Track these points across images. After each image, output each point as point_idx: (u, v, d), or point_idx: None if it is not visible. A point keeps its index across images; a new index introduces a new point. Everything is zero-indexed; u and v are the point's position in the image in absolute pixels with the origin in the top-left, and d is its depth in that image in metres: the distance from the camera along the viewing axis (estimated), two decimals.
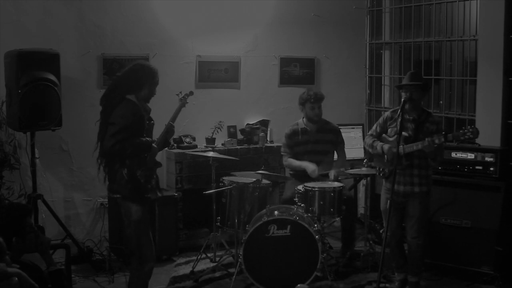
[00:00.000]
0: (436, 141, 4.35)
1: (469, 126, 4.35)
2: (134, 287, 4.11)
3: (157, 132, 4.22)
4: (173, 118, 4.24)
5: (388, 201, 4.41)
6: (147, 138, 4.01)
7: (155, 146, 4.06)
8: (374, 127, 4.93)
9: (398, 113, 4.44)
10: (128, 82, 4.01)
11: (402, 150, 4.51)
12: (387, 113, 4.89)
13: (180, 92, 4.46)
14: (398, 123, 4.46)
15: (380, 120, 4.90)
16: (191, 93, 4.50)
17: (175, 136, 5.44)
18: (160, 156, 5.21)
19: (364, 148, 6.59)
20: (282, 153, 5.80)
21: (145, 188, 3.98)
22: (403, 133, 4.53)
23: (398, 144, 4.37)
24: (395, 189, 4.56)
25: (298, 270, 4.71)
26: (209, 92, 6.30)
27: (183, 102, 4.36)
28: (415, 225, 4.64)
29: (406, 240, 4.76)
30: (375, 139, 4.84)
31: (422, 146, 4.42)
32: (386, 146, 4.67)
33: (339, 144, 5.72)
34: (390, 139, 4.70)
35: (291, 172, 5.75)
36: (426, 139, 4.40)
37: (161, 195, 4.38)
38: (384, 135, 4.81)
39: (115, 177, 3.96)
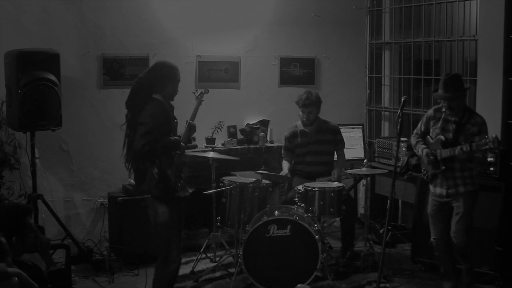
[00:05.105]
0: (464, 149, 4.26)
1: (491, 137, 4.18)
2: (157, 286, 4.13)
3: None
4: (193, 117, 4.30)
5: (388, 201, 4.32)
6: (175, 137, 4.08)
7: (183, 144, 4.12)
8: (419, 125, 4.79)
9: (429, 113, 4.58)
10: (152, 82, 4.06)
11: (439, 155, 4.46)
12: (429, 111, 4.72)
13: (196, 90, 4.66)
14: (439, 125, 4.52)
15: (424, 118, 4.75)
16: (207, 90, 4.59)
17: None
18: None
19: (366, 148, 6.66)
20: (282, 155, 5.83)
21: (174, 187, 4.03)
22: (440, 136, 4.48)
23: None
24: (439, 193, 4.56)
25: (298, 270, 4.71)
26: (209, 92, 6.27)
27: (199, 100, 4.44)
28: (458, 223, 4.52)
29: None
30: (420, 139, 4.72)
31: (458, 152, 4.33)
32: (425, 151, 4.56)
33: (338, 143, 5.71)
34: (432, 141, 4.60)
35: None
36: (457, 147, 4.33)
37: (192, 191, 4.35)
38: (428, 136, 4.68)
39: (145, 177, 4.00)
